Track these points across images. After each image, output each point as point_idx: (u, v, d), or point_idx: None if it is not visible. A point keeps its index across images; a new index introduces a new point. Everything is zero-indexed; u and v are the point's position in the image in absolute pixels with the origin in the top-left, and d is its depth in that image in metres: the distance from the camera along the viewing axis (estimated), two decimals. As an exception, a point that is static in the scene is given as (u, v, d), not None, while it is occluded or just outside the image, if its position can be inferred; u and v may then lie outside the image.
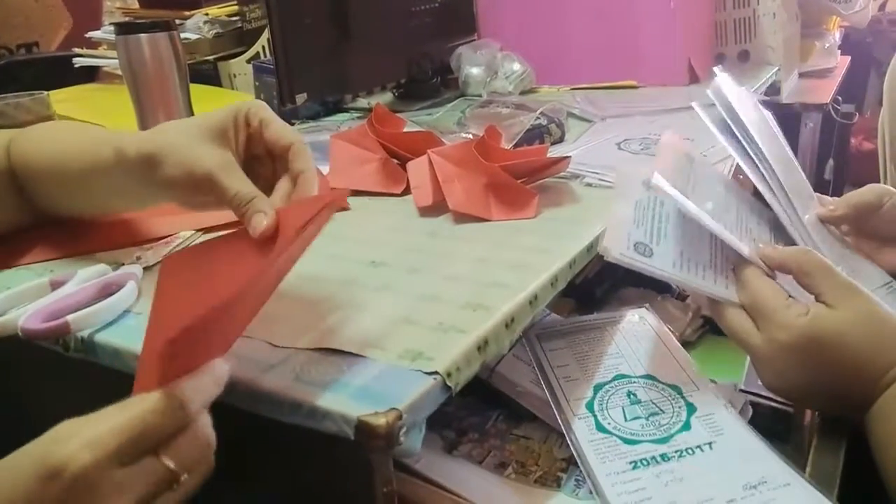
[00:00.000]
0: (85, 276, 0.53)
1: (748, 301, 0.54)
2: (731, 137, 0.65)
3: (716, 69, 0.71)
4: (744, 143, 0.64)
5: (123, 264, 0.57)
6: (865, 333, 0.50)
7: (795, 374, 0.52)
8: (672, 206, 0.58)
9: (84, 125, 0.64)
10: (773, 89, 1.32)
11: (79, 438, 0.32)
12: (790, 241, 0.63)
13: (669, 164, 0.62)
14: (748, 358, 0.68)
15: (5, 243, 0.61)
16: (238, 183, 0.48)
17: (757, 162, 0.64)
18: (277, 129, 0.51)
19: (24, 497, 0.31)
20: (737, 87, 0.70)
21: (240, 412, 0.42)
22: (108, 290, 0.51)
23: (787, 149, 0.70)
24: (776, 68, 1.32)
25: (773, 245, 0.60)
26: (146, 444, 0.33)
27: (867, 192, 0.66)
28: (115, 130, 0.59)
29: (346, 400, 0.40)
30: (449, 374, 0.42)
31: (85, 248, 0.61)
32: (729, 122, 0.65)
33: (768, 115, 0.71)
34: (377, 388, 0.41)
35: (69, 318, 0.48)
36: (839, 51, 1.68)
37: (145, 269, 0.56)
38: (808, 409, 0.59)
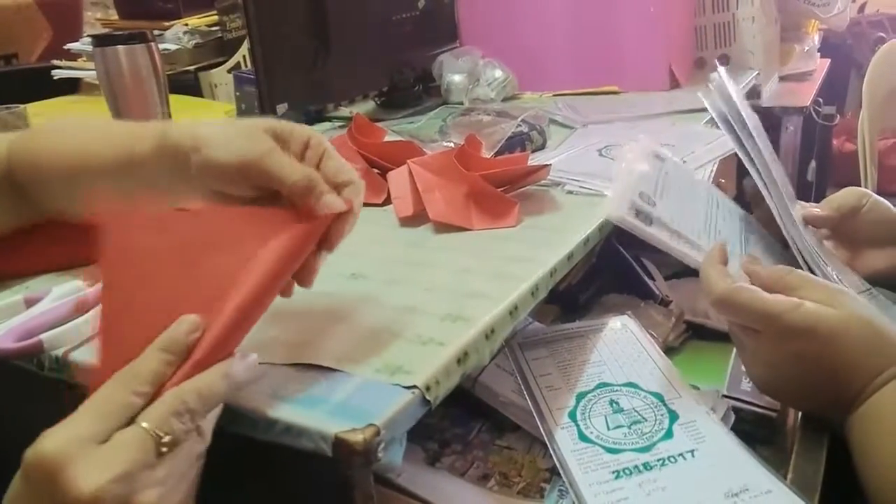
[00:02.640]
0: (60, 293, 0.52)
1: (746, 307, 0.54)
2: (731, 132, 0.65)
3: (717, 63, 0.72)
4: (743, 139, 0.65)
5: (99, 280, 0.56)
6: (859, 334, 0.51)
7: (787, 366, 0.52)
8: (676, 176, 0.62)
9: (101, 118, 0.61)
10: (754, 93, 1.33)
11: (47, 433, 0.33)
12: (766, 245, 0.63)
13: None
14: (730, 363, 0.68)
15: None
16: (296, 164, 0.45)
17: (754, 158, 0.65)
18: (339, 163, 0.47)
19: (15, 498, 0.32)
20: (733, 85, 0.70)
21: (216, 430, 0.41)
22: (82, 308, 0.51)
23: (772, 150, 0.71)
24: (756, 72, 1.33)
25: (754, 259, 0.61)
26: (118, 417, 0.34)
27: (846, 194, 0.67)
28: (143, 122, 0.56)
29: (323, 416, 0.39)
30: (428, 388, 0.42)
31: (63, 262, 0.60)
32: (729, 117, 0.66)
33: (756, 117, 0.72)
34: (355, 404, 0.40)
35: (43, 336, 0.47)
36: (819, 54, 1.70)
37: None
38: (791, 406, 0.59)
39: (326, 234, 0.45)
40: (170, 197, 0.53)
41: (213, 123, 0.48)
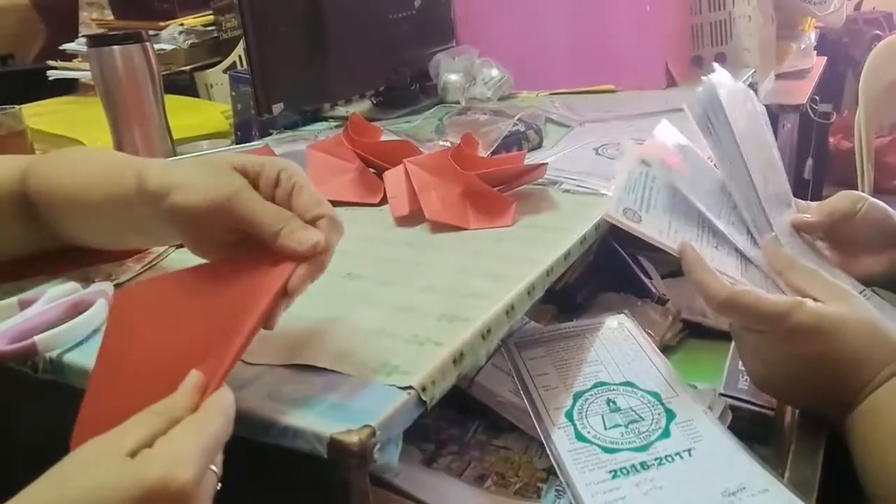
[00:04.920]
0: (54, 294, 0.52)
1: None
2: (712, 138, 0.65)
3: (715, 65, 0.71)
4: (723, 146, 0.65)
5: (94, 282, 0.56)
6: (861, 331, 0.51)
7: (788, 365, 0.52)
8: (664, 181, 0.63)
9: (109, 151, 0.60)
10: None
11: (168, 455, 0.32)
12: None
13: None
14: (727, 362, 0.68)
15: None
16: (268, 206, 0.43)
17: (731, 165, 0.64)
18: (311, 198, 0.45)
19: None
20: (732, 82, 0.70)
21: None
22: (77, 309, 0.50)
23: (775, 150, 0.70)
24: (752, 70, 1.32)
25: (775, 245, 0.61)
26: (217, 453, 0.35)
27: (840, 199, 0.66)
28: (137, 158, 0.56)
29: (319, 418, 0.39)
30: (424, 389, 0.41)
31: (57, 267, 0.60)
32: (711, 123, 0.65)
33: (762, 109, 0.71)
34: (351, 405, 0.40)
35: (36, 338, 0.47)
36: (815, 51, 1.70)
37: (116, 286, 0.55)
38: (790, 404, 0.59)
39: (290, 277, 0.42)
40: (159, 237, 0.54)
41: (183, 165, 0.47)
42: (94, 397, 0.39)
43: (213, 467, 0.35)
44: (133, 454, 0.32)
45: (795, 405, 0.58)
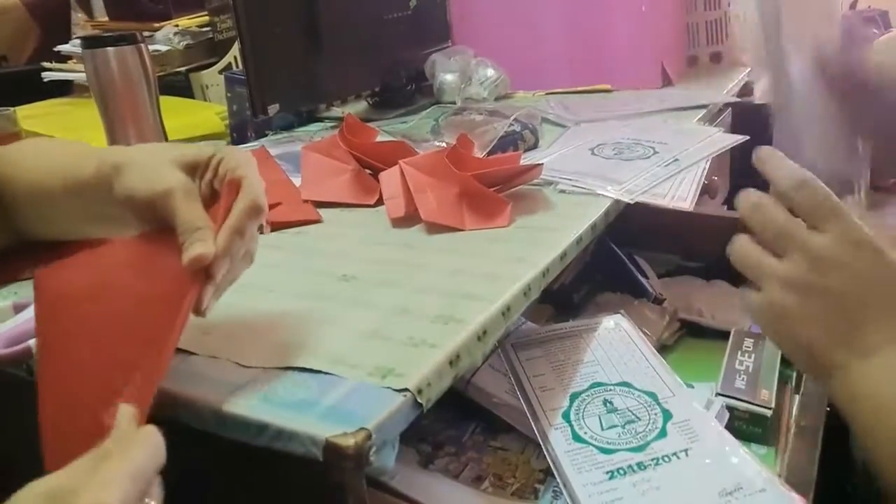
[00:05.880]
0: (48, 298, 0.52)
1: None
2: None
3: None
4: None
5: (89, 284, 0.56)
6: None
7: (820, 286, 0.46)
8: None
9: (72, 141, 0.60)
10: (747, 90, 1.33)
11: (92, 484, 0.31)
12: None
13: None
14: (724, 361, 0.68)
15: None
16: (194, 210, 0.44)
17: None
18: (248, 185, 0.45)
19: None
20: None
21: (206, 435, 0.41)
22: (71, 313, 0.50)
23: None
24: (749, 69, 1.33)
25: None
26: (146, 489, 0.33)
27: None
28: (98, 147, 0.56)
29: (314, 420, 0.39)
30: (420, 391, 0.41)
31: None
32: None
33: None
34: (346, 407, 0.40)
35: (31, 342, 0.47)
36: (811, 50, 1.70)
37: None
38: (789, 343, 0.49)
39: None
40: (117, 225, 0.52)
41: (136, 151, 0.48)
42: (50, 391, 0.38)
43: (152, 502, 0.34)
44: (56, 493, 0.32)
45: (794, 343, 0.49)
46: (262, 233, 0.47)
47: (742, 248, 0.51)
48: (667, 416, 0.55)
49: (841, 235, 0.46)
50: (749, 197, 0.51)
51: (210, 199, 0.46)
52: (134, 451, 0.34)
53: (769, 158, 0.52)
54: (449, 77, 1.20)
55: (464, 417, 0.61)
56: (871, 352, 0.44)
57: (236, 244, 0.43)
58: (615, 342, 0.64)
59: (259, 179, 0.46)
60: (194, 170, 0.47)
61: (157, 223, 0.45)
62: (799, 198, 0.48)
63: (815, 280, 0.46)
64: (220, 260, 0.42)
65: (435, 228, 0.65)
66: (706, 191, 0.90)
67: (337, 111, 1.17)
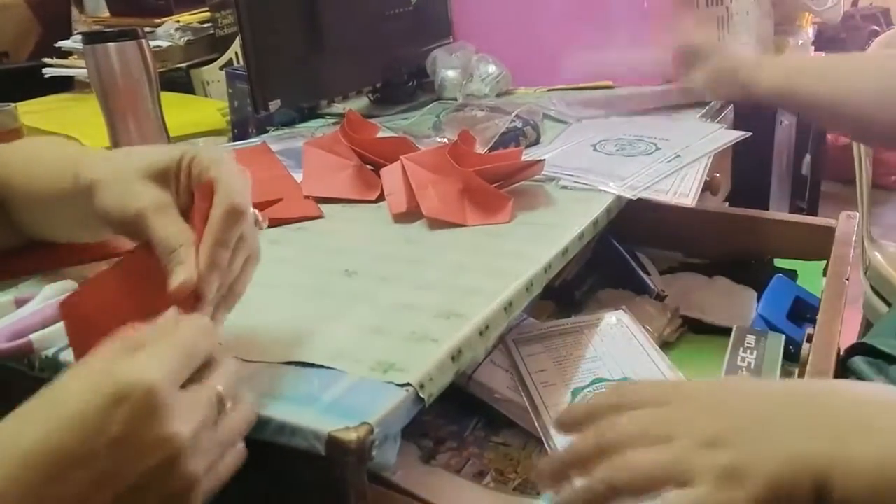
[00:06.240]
0: (50, 293, 0.52)
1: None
2: None
3: None
4: None
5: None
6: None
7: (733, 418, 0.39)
8: None
9: (65, 142, 0.59)
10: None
11: (138, 361, 0.32)
12: None
13: None
14: (726, 357, 0.68)
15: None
16: (169, 227, 0.42)
17: None
18: (223, 188, 0.43)
19: (93, 425, 0.30)
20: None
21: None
22: (73, 307, 0.50)
23: None
24: (750, 66, 1.32)
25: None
26: (195, 365, 0.35)
27: None
28: (84, 151, 0.54)
29: (317, 415, 0.39)
30: (422, 386, 0.41)
31: (52, 264, 0.59)
32: None
33: None
34: (348, 402, 0.40)
35: (32, 336, 0.47)
36: (813, 47, 1.70)
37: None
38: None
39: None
40: (103, 232, 0.52)
41: (115, 161, 0.46)
42: None
43: (219, 387, 0.35)
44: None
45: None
46: (259, 228, 0.46)
47: (629, 466, 0.38)
48: (669, 411, 0.55)
49: (697, 385, 0.44)
50: (579, 446, 0.41)
51: (190, 205, 0.44)
52: (180, 331, 0.35)
53: (569, 411, 0.46)
54: (450, 73, 1.20)
55: (465, 413, 0.60)
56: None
57: (221, 255, 0.41)
58: (617, 338, 0.64)
59: (236, 175, 0.43)
60: (166, 177, 0.44)
61: (143, 238, 0.43)
62: (632, 394, 0.42)
63: (725, 425, 0.38)
64: (208, 276, 0.41)
65: (436, 224, 0.65)
66: (708, 188, 0.90)
67: (338, 107, 1.16)
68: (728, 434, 0.37)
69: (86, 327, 0.41)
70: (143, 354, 0.33)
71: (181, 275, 0.40)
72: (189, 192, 0.44)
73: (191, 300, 0.41)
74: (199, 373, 0.35)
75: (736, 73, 0.90)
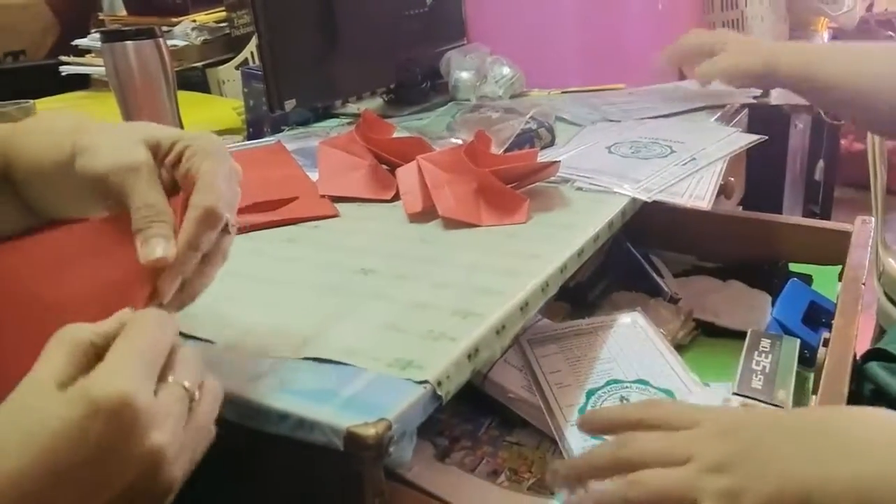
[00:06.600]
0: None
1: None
2: None
3: None
4: None
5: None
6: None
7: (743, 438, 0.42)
8: None
9: (72, 114, 0.58)
10: (763, 91, 1.32)
11: (108, 371, 0.31)
12: None
13: None
14: (741, 361, 0.67)
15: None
16: (157, 195, 0.41)
17: None
18: (204, 183, 0.41)
19: (75, 446, 0.29)
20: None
21: (225, 423, 0.41)
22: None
23: None
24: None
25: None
26: (161, 363, 0.33)
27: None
28: (83, 121, 0.54)
29: (335, 410, 0.39)
30: (439, 383, 0.42)
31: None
32: None
33: None
34: (366, 398, 0.40)
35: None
36: (828, 52, 1.69)
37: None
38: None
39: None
40: (93, 208, 0.49)
41: (100, 130, 0.44)
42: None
43: (185, 383, 0.33)
44: (64, 385, 0.31)
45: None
46: (228, 233, 0.42)
47: (644, 482, 0.41)
48: (683, 413, 0.55)
49: (719, 413, 0.44)
50: (595, 454, 0.45)
51: (169, 188, 0.43)
52: (140, 329, 0.33)
53: (592, 416, 0.50)
54: (464, 75, 1.20)
55: (479, 412, 0.61)
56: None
57: (189, 257, 0.40)
58: (632, 339, 0.64)
59: (224, 175, 0.41)
60: (157, 151, 0.42)
61: (114, 202, 0.42)
62: (654, 413, 0.45)
63: (732, 450, 0.40)
64: (172, 272, 0.39)
65: (452, 224, 0.65)
66: (722, 191, 0.90)
67: (353, 107, 1.17)
68: (733, 459, 0.40)
69: (8, 279, 0.39)
70: (112, 363, 0.32)
71: (159, 248, 0.38)
72: (169, 173, 0.43)
73: (143, 293, 0.38)
74: (164, 369, 0.34)
75: (754, 57, 0.90)
